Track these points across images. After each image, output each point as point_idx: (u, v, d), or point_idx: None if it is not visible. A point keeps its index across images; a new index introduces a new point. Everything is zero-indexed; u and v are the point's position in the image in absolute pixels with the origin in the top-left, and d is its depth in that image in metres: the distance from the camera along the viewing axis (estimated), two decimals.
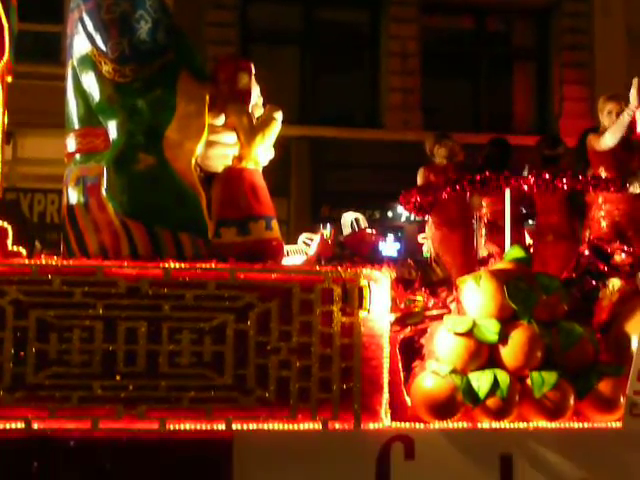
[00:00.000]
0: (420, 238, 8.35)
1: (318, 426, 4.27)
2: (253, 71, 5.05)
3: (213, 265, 4.28)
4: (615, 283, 5.08)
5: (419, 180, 7.68)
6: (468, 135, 14.55)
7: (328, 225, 6.64)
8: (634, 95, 6.23)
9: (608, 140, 6.35)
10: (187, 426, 4.14)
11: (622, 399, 4.56)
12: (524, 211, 7.68)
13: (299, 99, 15.73)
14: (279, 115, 4.98)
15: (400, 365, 4.64)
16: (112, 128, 4.64)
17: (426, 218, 7.81)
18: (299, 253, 6.48)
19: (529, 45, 16.62)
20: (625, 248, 5.39)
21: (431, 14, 15.70)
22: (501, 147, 7.95)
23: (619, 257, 5.29)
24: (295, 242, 6.92)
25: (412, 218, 13.29)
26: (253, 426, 4.20)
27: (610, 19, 15.56)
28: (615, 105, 6.69)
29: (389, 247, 14.46)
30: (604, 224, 6.38)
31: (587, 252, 5.33)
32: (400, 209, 13.37)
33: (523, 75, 16.70)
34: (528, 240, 7.75)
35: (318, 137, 14.91)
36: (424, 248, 7.87)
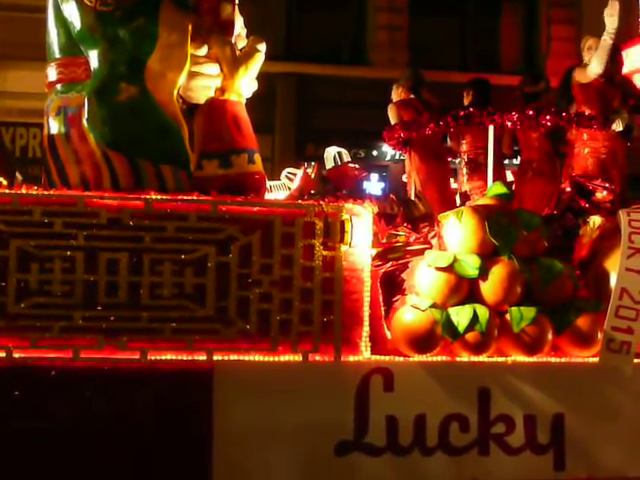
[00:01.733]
0: (404, 177, 8.37)
1: (298, 358, 4.32)
2: (237, 2, 4.97)
3: (195, 197, 4.27)
4: (596, 220, 5.11)
5: (391, 116, 7.69)
6: (454, 74, 14.52)
7: (313, 163, 6.61)
8: (611, 15, 6.19)
9: (594, 67, 6.33)
10: (168, 357, 4.17)
11: (600, 335, 4.62)
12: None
13: (285, 35, 15.55)
14: (263, 47, 4.92)
15: (381, 299, 4.67)
16: (93, 58, 4.57)
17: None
18: (282, 189, 6.47)
19: None
20: (607, 185, 5.41)
21: None
22: (481, 87, 7.94)
23: (600, 194, 5.31)
24: (279, 179, 6.91)
25: (397, 157, 13.29)
26: (234, 357, 4.24)
27: None
28: (595, 41, 6.67)
29: (374, 186, 14.48)
30: (589, 161, 6.40)
31: (569, 189, 5.35)
32: (385, 148, 13.35)
33: (511, 14, 16.54)
34: (510, 178, 7.78)
35: (304, 74, 14.79)
36: (408, 187, 7.89)
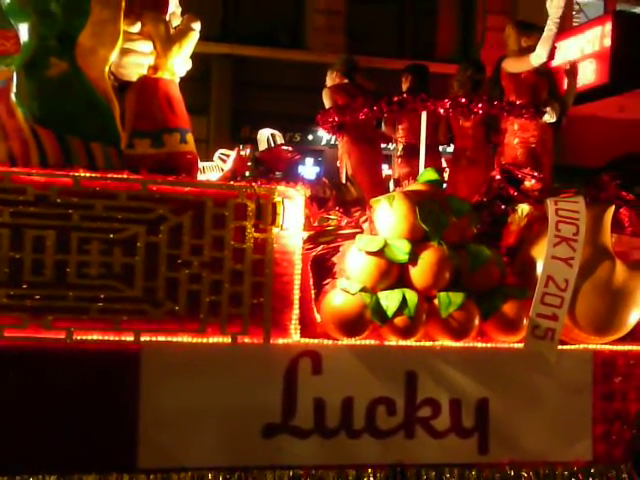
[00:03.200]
0: (339, 162, 8.37)
1: (227, 340, 4.30)
2: None
3: (125, 176, 4.21)
4: (524, 208, 5.17)
5: (326, 100, 7.70)
6: (391, 60, 14.56)
7: (246, 145, 6.57)
8: (558, 7, 6.25)
9: (539, 55, 6.34)
10: (95, 337, 4.12)
11: (525, 321, 4.70)
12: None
13: (222, 16, 15.40)
14: (197, 25, 4.87)
15: (311, 282, 4.68)
16: (23, 31, 4.47)
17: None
18: (215, 170, 6.42)
19: None
20: (535, 174, 5.48)
21: None
22: (419, 72, 7.98)
23: (529, 183, 5.38)
24: (213, 160, 6.86)
25: (333, 141, 13.29)
26: (162, 339, 4.20)
27: None
28: (510, 29, 6.74)
29: (309, 170, 14.47)
30: (519, 150, 6.47)
31: (498, 177, 5.41)
32: (321, 132, 13.32)
33: (448, 3, 16.63)
34: (444, 165, 7.85)
35: (240, 56, 14.68)
36: (340, 171, 7.90)
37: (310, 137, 14.93)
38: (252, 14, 15.57)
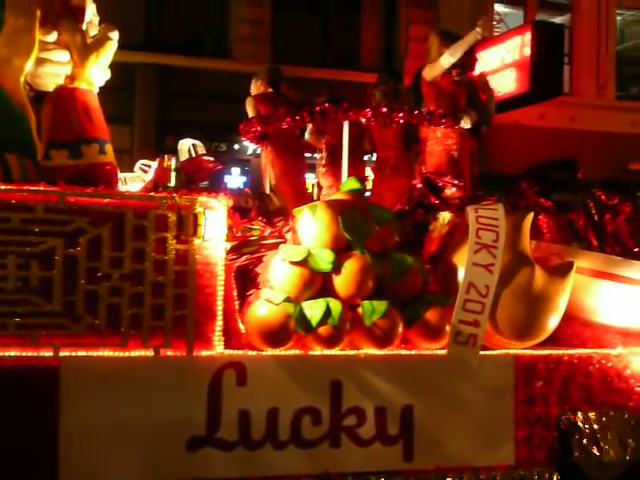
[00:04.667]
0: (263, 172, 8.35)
1: (149, 353, 4.24)
2: None
3: (42, 188, 4.12)
4: (445, 216, 5.23)
5: (249, 109, 7.69)
6: (315, 70, 14.63)
7: (167, 155, 6.50)
8: (480, 25, 6.37)
9: (447, 57, 6.44)
10: (12, 353, 4.02)
11: (448, 327, 4.74)
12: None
13: (145, 25, 15.25)
14: (115, 35, 4.81)
15: (235, 293, 4.65)
16: None
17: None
18: (137, 181, 6.34)
19: None
20: (456, 182, 5.55)
21: None
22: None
23: (450, 191, 5.44)
24: None
25: (259, 151, 13.26)
26: (82, 353, 4.13)
27: None
28: (434, 37, 6.84)
29: (235, 179, 14.42)
30: (440, 159, 6.54)
31: (419, 185, 5.46)
32: (247, 142, 13.29)
33: (371, 13, 16.75)
34: (369, 174, 7.88)
35: (164, 65, 14.54)
36: (264, 181, 7.88)
37: (236, 146, 14.86)
38: (176, 23, 15.46)
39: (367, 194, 7.19)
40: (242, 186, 13.94)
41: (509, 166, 11.92)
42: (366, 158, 8.15)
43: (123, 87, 13.31)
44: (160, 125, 14.61)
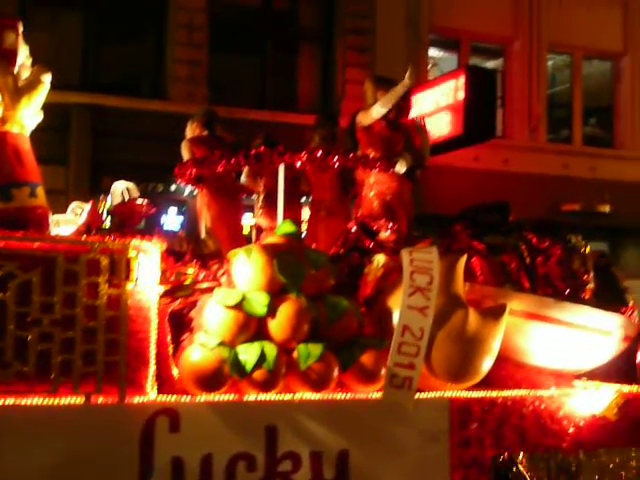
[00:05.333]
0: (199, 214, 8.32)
1: (80, 400, 4.15)
2: (20, 30, 4.80)
3: None
4: (380, 259, 5.26)
5: (184, 152, 7.69)
6: (253, 111, 14.70)
7: (101, 197, 6.47)
8: (410, 72, 6.46)
9: (379, 108, 6.52)
10: None
11: (383, 371, 4.74)
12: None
13: (81, 65, 15.19)
14: (47, 77, 4.77)
15: (169, 338, 4.60)
16: None
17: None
18: (70, 223, 6.27)
19: (315, 26, 16.86)
20: (390, 225, 5.59)
21: None
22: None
23: (384, 234, 5.48)
24: None
25: (195, 192, 13.23)
26: (10, 401, 4.02)
27: (391, 6, 16.09)
28: (370, 84, 6.93)
29: (172, 220, 14.35)
30: (375, 202, 6.58)
31: (355, 228, 5.49)
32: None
33: (309, 55, 16.94)
34: (306, 216, 7.91)
35: (100, 105, 14.46)
36: (200, 223, 7.85)
37: (173, 187, 14.80)
38: (112, 63, 15.44)
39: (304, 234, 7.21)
40: (179, 226, 13.89)
41: (444, 207, 12.09)
42: (304, 199, 8.20)
43: (58, 127, 13.19)
44: (96, 166, 14.49)
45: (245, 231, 8.58)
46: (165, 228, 13.13)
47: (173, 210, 14.63)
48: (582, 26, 17.64)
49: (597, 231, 16.99)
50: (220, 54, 15.57)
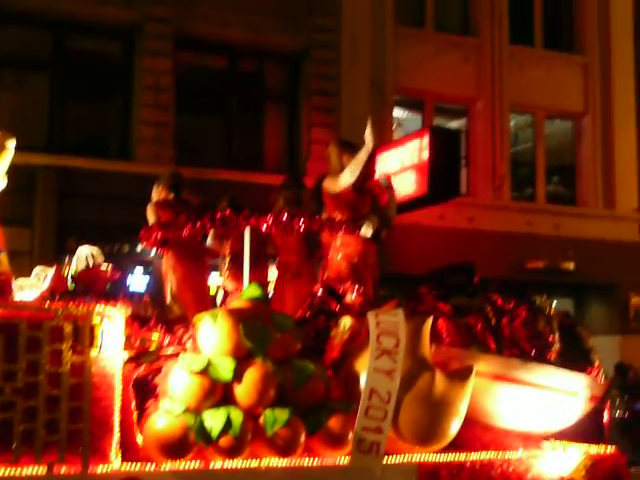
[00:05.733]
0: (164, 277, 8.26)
1: (43, 470, 4.08)
2: None
3: None
4: (346, 322, 5.25)
5: (150, 215, 7.67)
6: (219, 171, 14.72)
7: (66, 262, 6.42)
8: (369, 134, 6.50)
9: (346, 178, 6.55)
10: None
11: (351, 435, 4.70)
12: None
13: (47, 127, 15.16)
14: (11, 143, 4.76)
15: (133, 404, 4.54)
16: None
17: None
18: (35, 288, 6.20)
19: (280, 88, 17.02)
20: (356, 288, 5.60)
21: (186, 50, 15.69)
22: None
23: (350, 297, 5.48)
24: None
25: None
26: None
27: (356, 68, 16.32)
28: (333, 147, 6.97)
29: (138, 281, 14.23)
30: (342, 265, 6.58)
31: (321, 292, 5.49)
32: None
33: (274, 116, 17.07)
34: (273, 278, 7.88)
35: (66, 167, 14.40)
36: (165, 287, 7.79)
37: (139, 248, 14.72)
38: (79, 124, 15.43)
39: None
40: (145, 287, 13.79)
41: (411, 265, 12.15)
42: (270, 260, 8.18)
43: (24, 189, 13.11)
44: (61, 227, 14.39)
45: (212, 292, 8.52)
46: (131, 289, 13.02)
47: (139, 270, 14.53)
48: (543, 87, 17.97)
49: (562, 288, 17.13)
50: (186, 115, 15.64)
